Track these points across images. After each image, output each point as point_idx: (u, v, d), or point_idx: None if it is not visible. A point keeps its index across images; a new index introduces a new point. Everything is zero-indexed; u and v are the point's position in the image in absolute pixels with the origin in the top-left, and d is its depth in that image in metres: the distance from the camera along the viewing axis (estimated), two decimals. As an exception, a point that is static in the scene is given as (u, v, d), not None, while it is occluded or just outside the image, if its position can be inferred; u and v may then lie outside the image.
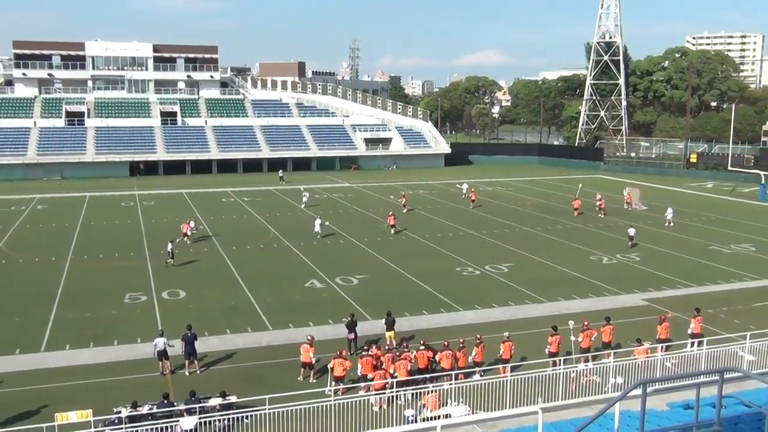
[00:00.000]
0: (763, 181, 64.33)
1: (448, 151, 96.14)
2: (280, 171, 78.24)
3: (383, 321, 25.01)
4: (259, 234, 45.51)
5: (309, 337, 22.31)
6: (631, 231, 43.20)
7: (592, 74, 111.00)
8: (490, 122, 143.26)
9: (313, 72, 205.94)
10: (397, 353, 21.21)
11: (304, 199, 57.44)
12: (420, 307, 29.41)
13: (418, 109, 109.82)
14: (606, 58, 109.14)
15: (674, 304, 29.63)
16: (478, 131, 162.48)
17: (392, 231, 45.98)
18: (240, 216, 52.92)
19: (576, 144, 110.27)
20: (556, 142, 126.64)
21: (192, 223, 44.43)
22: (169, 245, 37.29)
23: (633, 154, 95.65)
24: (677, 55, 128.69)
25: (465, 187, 63.44)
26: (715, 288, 32.89)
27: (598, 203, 55.17)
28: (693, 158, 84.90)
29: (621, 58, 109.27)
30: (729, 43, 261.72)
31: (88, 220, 51.07)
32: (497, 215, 53.51)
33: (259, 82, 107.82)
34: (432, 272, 35.40)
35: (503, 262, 37.85)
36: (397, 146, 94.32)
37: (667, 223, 49.04)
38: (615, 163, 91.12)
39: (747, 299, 30.88)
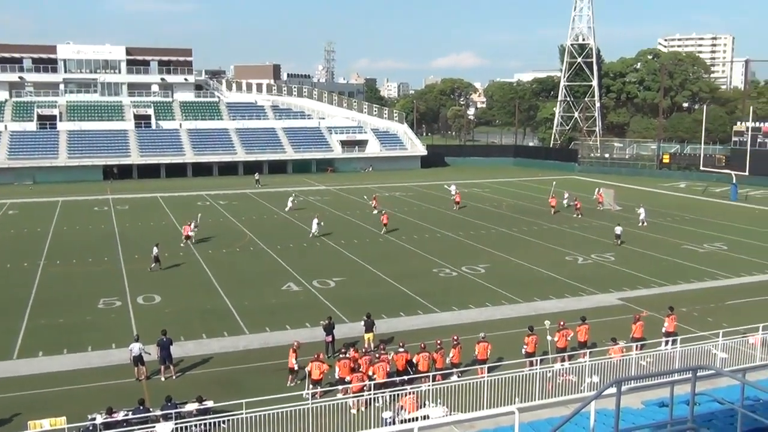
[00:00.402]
0: (734, 181, 65.33)
1: (424, 152, 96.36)
2: (256, 174, 77.91)
3: (362, 323, 24.99)
4: (236, 237, 45.26)
5: (295, 343, 22.18)
6: (618, 229, 43.86)
7: (566, 76, 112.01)
8: (465, 124, 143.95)
9: (288, 74, 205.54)
10: (376, 355, 21.21)
11: (289, 203, 57.13)
12: (397, 309, 29.44)
13: (394, 111, 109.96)
14: (579, 60, 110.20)
15: (649, 303, 29.96)
16: (453, 133, 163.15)
17: (383, 230, 46.54)
18: (216, 219, 52.62)
19: (551, 145, 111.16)
20: (531, 144, 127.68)
21: (192, 224, 44.49)
22: (155, 249, 37.09)
23: (607, 155, 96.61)
24: (649, 57, 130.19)
25: (453, 188, 63.52)
26: (689, 287, 33.31)
27: (574, 203, 55.69)
28: (666, 159, 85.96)
29: (594, 59, 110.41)
30: (700, 45, 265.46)
31: (61, 225, 50.44)
32: (473, 216, 53.72)
33: (234, 85, 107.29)
34: (409, 274, 35.44)
35: (480, 263, 38.01)
36: (374, 148, 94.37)
37: (640, 223, 49.60)
38: (589, 164, 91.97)
39: (720, 297, 31.32)
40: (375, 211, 54.91)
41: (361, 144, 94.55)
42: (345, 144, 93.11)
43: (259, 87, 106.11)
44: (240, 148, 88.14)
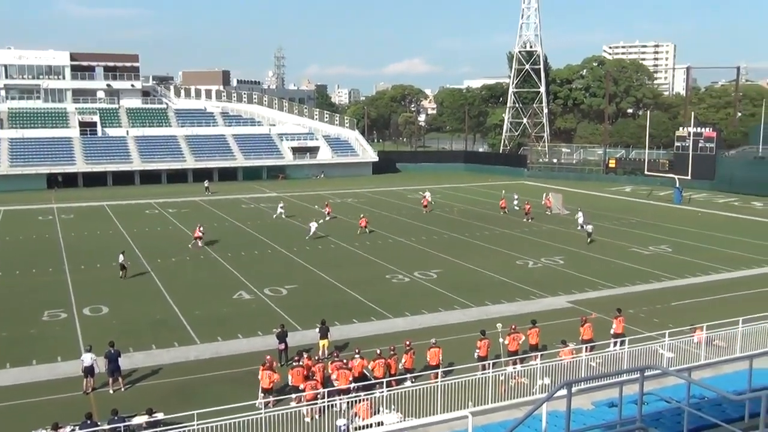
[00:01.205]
0: (677, 185, 67.08)
1: (376, 159, 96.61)
2: (206, 181, 76.98)
3: (316, 330, 24.85)
4: (185, 246, 44.62)
5: (267, 358, 21.19)
6: (589, 227, 45.78)
7: (515, 82, 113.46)
8: (416, 130, 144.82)
9: (238, 80, 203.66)
10: (344, 362, 21.08)
11: (279, 210, 57.14)
12: (351, 315, 29.38)
13: (345, 117, 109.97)
14: (527, 66, 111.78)
15: (597, 306, 30.52)
16: (405, 139, 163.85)
17: (366, 231, 48.32)
18: (165, 228, 51.81)
19: (500, 151, 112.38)
20: (481, 149, 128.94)
21: (201, 228, 45.74)
22: (120, 257, 36.75)
23: (555, 160, 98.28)
24: (595, 64, 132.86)
25: (428, 195, 63.42)
26: (636, 288, 34.06)
27: (524, 207, 56.56)
28: (612, 163, 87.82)
29: (542, 66, 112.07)
30: (643, 53, 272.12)
31: (3, 235, 48.97)
32: (425, 222, 54.02)
33: (182, 91, 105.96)
34: (362, 280, 35.45)
35: (432, 268, 38.23)
36: (325, 155, 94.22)
37: (578, 227, 50.22)
38: (538, 169, 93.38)
39: (665, 299, 32.10)
40: (328, 218, 54.91)
41: (313, 150, 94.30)
42: (296, 150, 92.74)
43: (208, 93, 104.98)
44: (189, 156, 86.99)
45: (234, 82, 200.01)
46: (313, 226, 47.61)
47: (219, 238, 47.40)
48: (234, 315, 29.64)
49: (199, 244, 44.45)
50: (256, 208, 62.22)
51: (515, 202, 60.23)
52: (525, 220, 54.60)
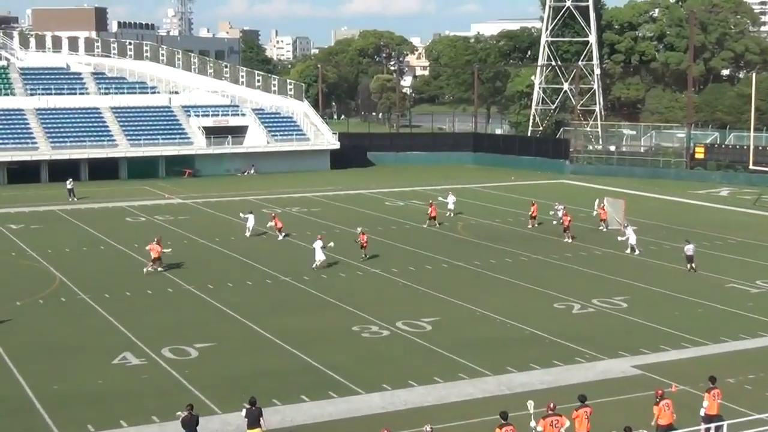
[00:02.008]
0: (799, 186, 67.93)
1: (336, 145, 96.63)
2: (69, 181, 76.35)
3: (242, 413, 24.74)
4: (37, 282, 44.25)
5: None
6: (689, 248, 46.66)
7: (550, 28, 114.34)
8: (398, 101, 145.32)
9: (120, 24, 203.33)
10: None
11: (249, 223, 57.22)
12: (299, 390, 29.25)
13: (288, 81, 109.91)
14: (569, 3, 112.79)
15: (680, 373, 30.62)
16: (381, 115, 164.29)
17: (364, 256, 49.38)
18: (6, 254, 51.40)
19: (528, 133, 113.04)
20: (499, 131, 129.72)
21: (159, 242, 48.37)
22: None
23: (613, 147, 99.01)
24: (672, 1, 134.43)
25: (452, 200, 63.90)
26: (738, 345, 34.28)
27: (562, 219, 56.82)
28: (699, 153, 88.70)
29: (591, 3, 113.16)
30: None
31: None
32: (413, 244, 54.02)
33: (32, 40, 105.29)
34: (317, 335, 35.32)
35: (424, 315, 38.17)
36: (256, 139, 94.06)
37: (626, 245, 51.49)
38: (587, 162, 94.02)
39: (783, 361, 32.37)
40: (280, 237, 55.40)
41: (237, 132, 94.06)
42: (212, 132, 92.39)
43: (73, 43, 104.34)
44: (43, 141, 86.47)
45: (113, 26, 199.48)
46: (318, 247, 48.03)
47: (90, 270, 46.95)
48: (114, 390, 29.35)
49: (158, 268, 46.18)
50: (150, 223, 61.82)
51: (553, 213, 60.41)
52: (566, 240, 54.90)
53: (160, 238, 48.41)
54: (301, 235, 56.30)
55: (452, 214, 63.49)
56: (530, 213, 60.12)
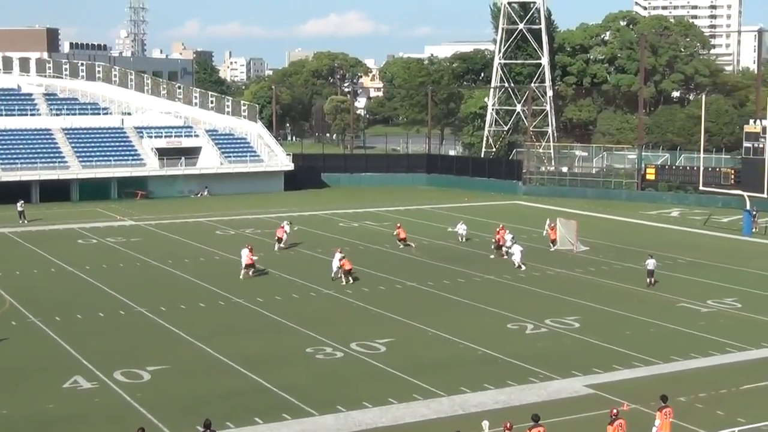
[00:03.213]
0: (747, 207, 68.62)
1: (290, 166, 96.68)
2: (20, 203, 75.55)
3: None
4: (-14, 305, 43.76)
5: None
6: (650, 263, 47.69)
7: (503, 50, 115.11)
8: (352, 122, 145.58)
9: (72, 45, 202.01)
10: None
11: (285, 229, 60.40)
12: (252, 412, 29.13)
13: (242, 102, 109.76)
14: (522, 26, 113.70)
15: (632, 392, 30.82)
16: (335, 136, 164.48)
17: (343, 279, 49.11)
18: (-46, 276, 50.75)
19: (482, 154, 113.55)
20: (452, 152, 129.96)
21: (286, 226, 58.92)
22: None
23: (565, 169, 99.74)
24: (623, 24, 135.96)
25: (462, 228, 63.04)
26: (689, 364, 34.58)
27: (496, 237, 57.33)
28: (650, 174, 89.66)
29: (543, 26, 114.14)
30: (695, 7, 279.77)
31: None
32: (366, 265, 53.98)
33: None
34: (270, 357, 35.28)
35: (378, 336, 38.17)
36: (210, 160, 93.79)
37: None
38: (539, 183, 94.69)
39: (733, 379, 32.64)
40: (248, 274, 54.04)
41: (191, 154, 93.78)
42: (165, 154, 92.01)
43: (24, 64, 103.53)
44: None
45: (65, 47, 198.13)
46: (337, 260, 49.68)
47: (41, 293, 46.57)
48: (65, 414, 29.09)
49: (282, 246, 56.84)
50: (102, 245, 61.38)
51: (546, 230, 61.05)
52: (494, 256, 56.46)
53: (251, 247, 51.75)
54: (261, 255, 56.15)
55: (464, 240, 62.82)
56: (549, 234, 60.54)
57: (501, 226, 59.91)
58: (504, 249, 56.32)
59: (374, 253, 58.52)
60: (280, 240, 59.25)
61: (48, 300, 45.01)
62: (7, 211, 75.14)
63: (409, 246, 59.95)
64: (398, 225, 62.92)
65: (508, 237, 56.42)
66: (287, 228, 60.65)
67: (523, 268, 52.60)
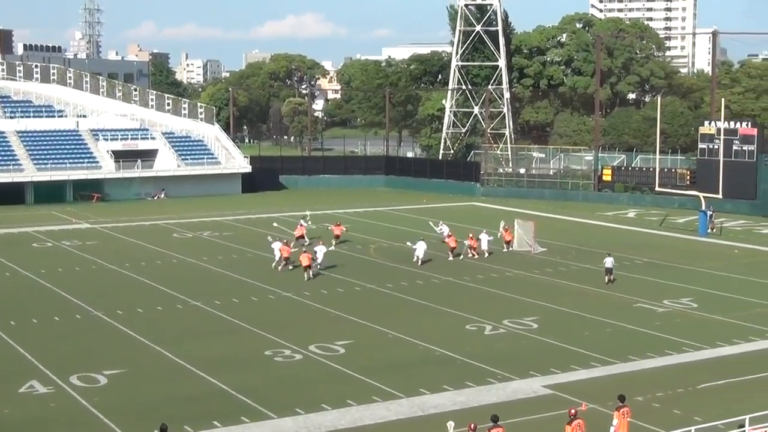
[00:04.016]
0: (702, 207, 69.29)
1: (248, 168, 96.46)
2: (-26, 206, 74.98)
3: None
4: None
5: None
6: (608, 261, 48.78)
7: (460, 53, 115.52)
8: (310, 124, 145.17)
9: (26, 46, 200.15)
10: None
11: (303, 224, 62.12)
12: (211, 415, 29.02)
13: (199, 104, 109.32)
14: (479, 28, 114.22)
15: (589, 392, 31.03)
16: (292, 138, 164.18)
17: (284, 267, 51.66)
18: None
19: (440, 156, 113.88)
20: (410, 154, 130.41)
21: (303, 222, 61.18)
22: None
23: (522, 170, 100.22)
24: (579, 26, 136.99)
25: (444, 229, 61.65)
26: (645, 364, 34.84)
27: (468, 242, 57.47)
28: (607, 175, 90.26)
29: (500, 28, 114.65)
30: (650, 9, 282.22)
31: None
32: (325, 267, 54.00)
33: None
34: (228, 359, 35.16)
35: (337, 338, 38.15)
36: (166, 163, 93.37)
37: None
38: (497, 184, 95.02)
39: (689, 378, 32.97)
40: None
41: (147, 156, 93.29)
42: (121, 156, 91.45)
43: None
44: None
45: (19, 49, 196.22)
46: (321, 252, 52.11)
47: (-4, 296, 46.18)
48: (21, 419, 28.86)
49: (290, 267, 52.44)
50: (57, 248, 60.90)
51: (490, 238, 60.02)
52: (470, 258, 56.80)
53: (287, 241, 54.54)
54: (211, 259, 55.95)
55: (444, 241, 62.10)
56: (503, 236, 60.46)
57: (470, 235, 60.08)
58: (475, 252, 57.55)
59: (333, 255, 58.36)
60: (302, 237, 59.60)
61: (2, 304, 44.60)
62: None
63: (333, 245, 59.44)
64: (338, 223, 63.85)
65: (484, 238, 57.68)
66: (305, 223, 62.23)
67: (420, 263, 54.56)
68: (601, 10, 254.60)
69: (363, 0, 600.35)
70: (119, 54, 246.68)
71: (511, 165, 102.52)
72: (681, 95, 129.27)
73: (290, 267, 52.18)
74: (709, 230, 68.15)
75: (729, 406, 28.76)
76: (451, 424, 24.39)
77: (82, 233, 67.87)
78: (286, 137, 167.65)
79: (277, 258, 53.11)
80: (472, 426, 23.86)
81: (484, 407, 29.06)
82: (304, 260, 50.09)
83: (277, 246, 53.47)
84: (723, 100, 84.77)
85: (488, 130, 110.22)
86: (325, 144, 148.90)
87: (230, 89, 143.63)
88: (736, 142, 76.42)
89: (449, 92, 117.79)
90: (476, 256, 56.80)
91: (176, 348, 36.74)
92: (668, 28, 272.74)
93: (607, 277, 48.93)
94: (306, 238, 59.19)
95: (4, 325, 40.49)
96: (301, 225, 61.27)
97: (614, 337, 38.77)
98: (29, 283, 50.17)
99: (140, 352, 36.49)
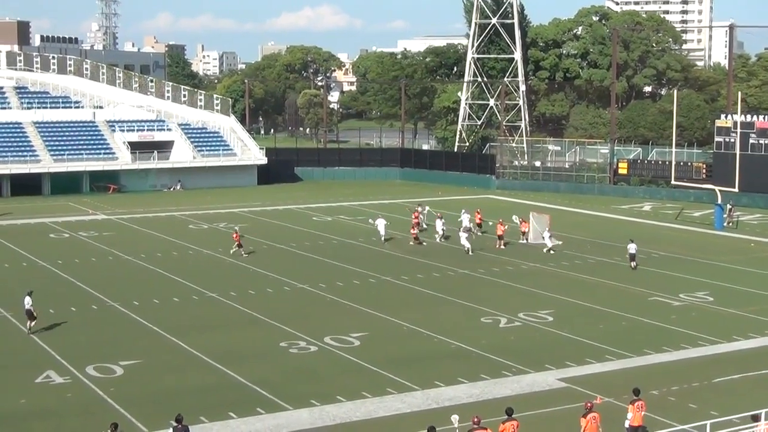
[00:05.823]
0: (719, 201, 69.05)
1: (263, 160, 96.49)
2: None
3: (169, 431, 24.55)
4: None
5: None
6: (632, 247, 50.11)
7: (476, 45, 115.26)
8: (326, 116, 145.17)
9: (43, 38, 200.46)
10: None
11: (422, 214, 64.93)
12: (226, 406, 29.07)
13: (215, 96, 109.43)
14: (495, 20, 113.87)
15: (604, 385, 31.00)
16: (308, 130, 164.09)
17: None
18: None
19: (455, 148, 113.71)
20: (425, 146, 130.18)
21: (420, 209, 63.95)
22: (27, 300, 37.54)
23: (538, 163, 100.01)
24: (595, 19, 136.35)
25: (466, 218, 61.32)
26: (661, 358, 34.76)
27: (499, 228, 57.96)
28: (622, 168, 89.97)
29: (516, 21, 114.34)
30: (666, 2, 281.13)
31: None
32: (340, 259, 54.01)
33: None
34: (244, 351, 35.23)
35: (352, 330, 38.19)
36: (183, 154, 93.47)
37: (546, 250, 55.31)
38: (513, 177, 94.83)
39: (705, 372, 32.91)
40: (233, 250, 54.95)
41: (163, 147, 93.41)
42: (137, 147, 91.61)
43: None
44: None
45: (36, 40, 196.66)
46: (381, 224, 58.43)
47: (12, 287, 46.13)
48: (38, 409, 28.97)
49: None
50: (74, 239, 61.08)
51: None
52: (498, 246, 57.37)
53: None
54: (225, 251, 55.97)
55: (476, 230, 62.47)
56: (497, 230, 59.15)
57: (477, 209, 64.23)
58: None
59: (348, 247, 58.46)
60: (418, 225, 61.05)
61: (19, 295, 44.57)
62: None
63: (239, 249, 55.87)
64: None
65: (465, 217, 60.45)
66: (421, 210, 65.05)
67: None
68: (617, 3, 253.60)
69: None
70: (135, 45, 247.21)
71: (526, 158, 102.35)
72: (697, 88, 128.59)
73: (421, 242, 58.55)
74: (726, 224, 67.92)
75: (745, 400, 28.68)
76: (456, 418, 24.37)
77: (99, 224, 68.04)
78: (301, 129, 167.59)
79: (383, 234, 59.30)
80: (476, 419, 23.83)
81: (498, 400, 29.04)
82: (498, 230, 57.25)
83: (381, 222, 59.81)
84: (740, 93, 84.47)
85: (504, 123, 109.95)
86: (341, 136, 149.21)
87: (246, 81, 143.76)
88: (753, 135, 76.12)
89: (465, 84, 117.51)
90: (503, 247, 57.33)
91: (192, 339, 36.83)
92: (685, 21, 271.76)
93: (632, 263, 50.34)
94: (423, 224, 63.23)
95: (21, 315, 40.55)
96: (416, 212, 62.87)
97: (629, 331, 38.68)
98: (46, 273, 50.28)
99: (156, 343, 36.59)
